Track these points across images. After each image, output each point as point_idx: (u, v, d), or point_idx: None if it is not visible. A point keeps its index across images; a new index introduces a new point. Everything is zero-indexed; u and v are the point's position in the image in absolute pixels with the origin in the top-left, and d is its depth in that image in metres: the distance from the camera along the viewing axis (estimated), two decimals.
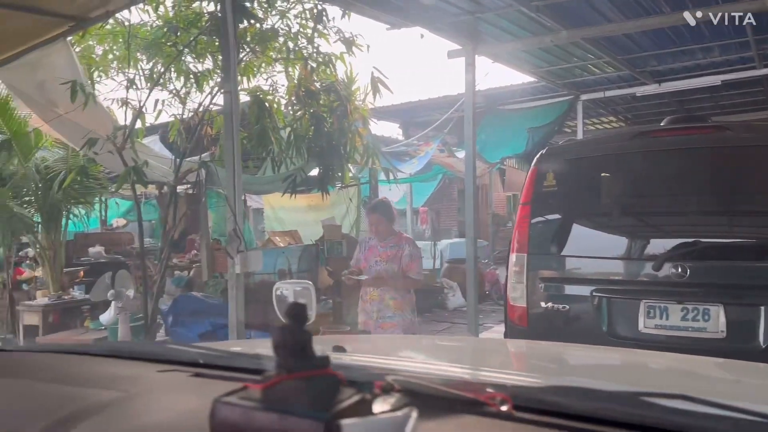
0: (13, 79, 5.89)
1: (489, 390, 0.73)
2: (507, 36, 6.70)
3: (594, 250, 3.53)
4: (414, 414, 0.57)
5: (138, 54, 5.67)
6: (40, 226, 7.17)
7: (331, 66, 5.86)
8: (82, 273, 8.00)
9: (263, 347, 1.03)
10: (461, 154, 9.10)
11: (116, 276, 4.95)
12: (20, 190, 7.15)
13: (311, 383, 0.58)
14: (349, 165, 6.89)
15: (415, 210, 14.21)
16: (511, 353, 1.55)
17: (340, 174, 6.57)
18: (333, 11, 5.64)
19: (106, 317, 4.96)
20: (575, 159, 3.71)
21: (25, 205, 7.20)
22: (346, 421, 0.53)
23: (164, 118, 6.18)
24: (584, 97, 9.56)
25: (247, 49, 5.58)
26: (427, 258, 9.92)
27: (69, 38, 5.32)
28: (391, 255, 4.08)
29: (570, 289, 3.51)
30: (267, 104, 6.06)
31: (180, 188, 6.60)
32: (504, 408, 0.71)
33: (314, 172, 7.07)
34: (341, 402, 0.57)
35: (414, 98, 11.14)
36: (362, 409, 0.58)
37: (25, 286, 8.09)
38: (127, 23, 5.31)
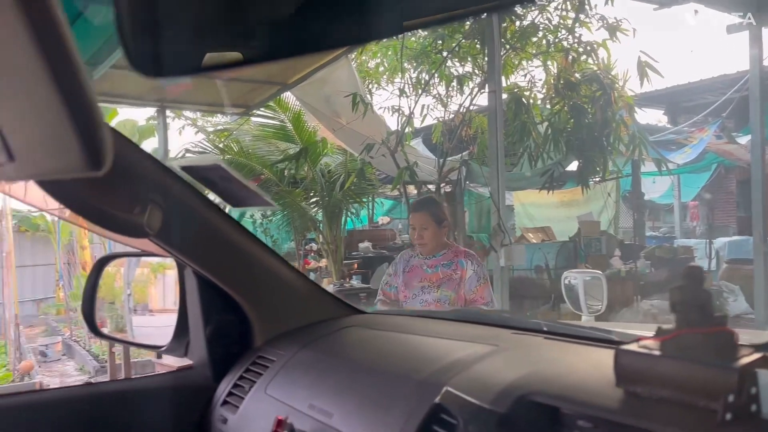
0: (304, 96, 6.88)
1: None
2: None
3: None
4: None
5: (406, 64, 6.19)
6: (322, 223, 8.25)
7: (593, 55, 5.69)
8: (355, 265, 8.97)
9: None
10: (744, 140, 8.04)
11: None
12: (309, 192, 8.31)
13: (712, 338, 0.63)
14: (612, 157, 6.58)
15: (683, 204, 12.90)
16: None
17: (600, 167, 6.33)
18: None
19: None
20: None
21: (312, 205, 8.35)
22: (761, 371, 0.57)
23: (427, 121, 6.67)
24: None
25: (507, 47, 5.70)
26: (700, 258, 8.97)
27: (350, 55, 6.04)
28: (445, 277, 2.83)
29: None
30: (524, 100, 6.10)
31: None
32: None
33: (572, 166, 6.92)
34: (743, 357, 0.61)
35: (681, 81, 10.13)
36: (765, 365, 0.61)
37: (312, 275, 9.38)
38: (399, 36, 5.80)
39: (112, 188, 0.99)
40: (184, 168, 1.08)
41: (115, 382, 1.41)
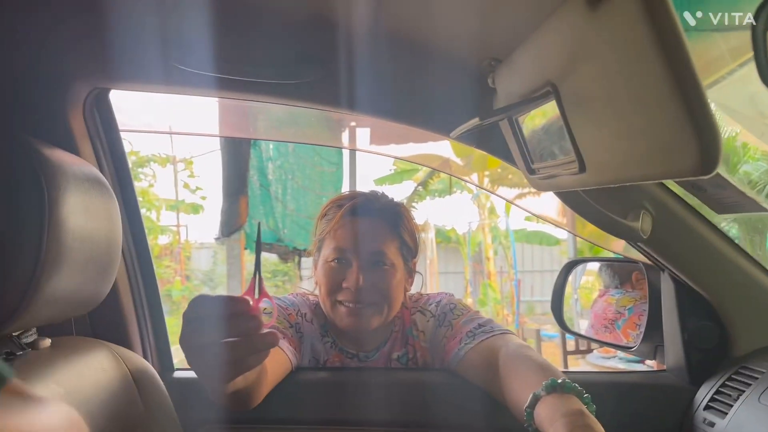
0: (721, 97, 6.21)
1: None
2: None
3: None
4: None
5: None
6: (738, 239, 7.28)
7: None
8: None
9: None
10: None
11: None
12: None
13: None
14: None
15: None
16: None
17: None
18: None
19: None
20: None
21: (728, 219, 7.45)
22: None
23: None
24: None
25: None
26: None
27: None
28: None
29: None
30: None
31: None
32: None
33: None
34: None
35: None
36: None
37: None
38: None
39: (612, 196, 1.12)
40: None
41: (605, 374, 1.56)
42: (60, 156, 0.79)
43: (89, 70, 1.10)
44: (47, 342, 0.91)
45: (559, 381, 0.88)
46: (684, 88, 0.56)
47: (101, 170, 1.18)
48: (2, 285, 0.72)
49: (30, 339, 0.88)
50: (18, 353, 0.84)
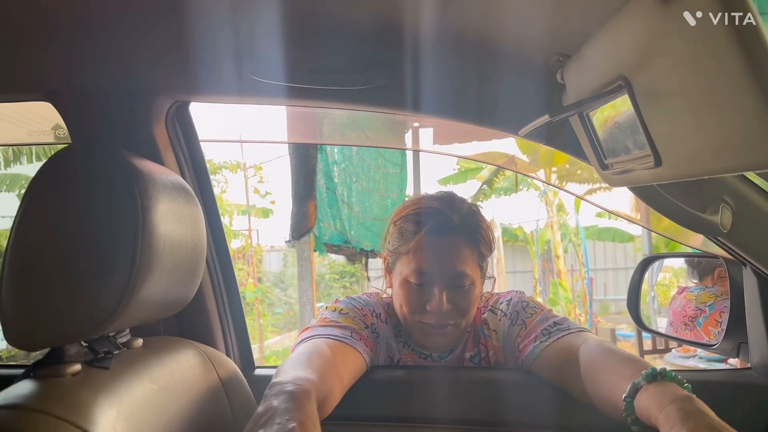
0: None
1: None
2: None
3: None
4: None
5: None
6: None
7: None
8: None
9: None
10: None
11: None
12: None
13: None
14: None
15: None
16: None
17: None
18: None
19: None
20: None
21: None
22: None
23: None
24: None
25: None
26: None
27: None
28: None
29: None
30: None
31: None
32: None
33: None
34: None
35: None
36: None
37: None
38: None
39: (689, 190, 1.08)
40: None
41: (686, 372, 1.50)
42: (149, 167, 0.85)
43: (171, 84, 1.17)
44: (139, 342, 0.97)
45: (659, 369, 0.88)
46: (763, 77, 0.54)
47: (183, 178, 1.24)
48: (102, 290, 0.77)
49: (124, 339, 0.95)
50: (115, 352, 0.90)
